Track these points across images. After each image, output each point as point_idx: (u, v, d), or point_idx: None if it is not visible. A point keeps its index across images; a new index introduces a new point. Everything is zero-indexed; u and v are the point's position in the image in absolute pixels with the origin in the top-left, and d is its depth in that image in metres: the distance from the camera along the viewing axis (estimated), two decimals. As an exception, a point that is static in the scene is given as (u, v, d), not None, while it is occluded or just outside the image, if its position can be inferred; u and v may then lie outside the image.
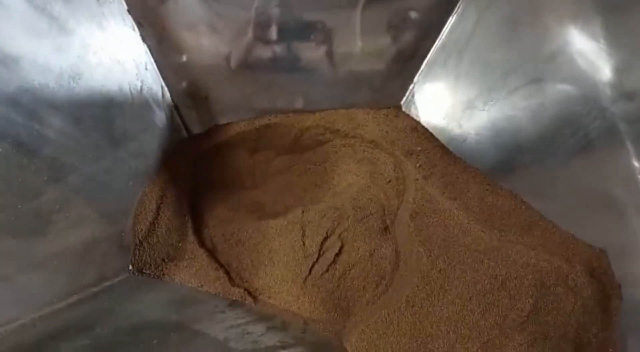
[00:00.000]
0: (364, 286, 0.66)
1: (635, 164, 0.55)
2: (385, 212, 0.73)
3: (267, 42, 0.74)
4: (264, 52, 0.76)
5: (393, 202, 0.74)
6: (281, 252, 0.72)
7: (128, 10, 0.66)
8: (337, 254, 0.70)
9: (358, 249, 0.69)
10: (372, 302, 0.64)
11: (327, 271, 0.68)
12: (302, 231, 0.73)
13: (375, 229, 0.71)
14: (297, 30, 0.74)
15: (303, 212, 0.77)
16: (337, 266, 0.68)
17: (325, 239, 0.72)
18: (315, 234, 0.72)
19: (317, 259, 0.70)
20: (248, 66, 0.77)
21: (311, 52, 0.77)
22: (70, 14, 0.56)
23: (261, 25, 0.72)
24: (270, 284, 0.69)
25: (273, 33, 0.73)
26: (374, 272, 0.66)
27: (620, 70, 0.56)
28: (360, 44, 0.76)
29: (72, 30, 0.57)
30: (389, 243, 0.69)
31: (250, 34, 0.73)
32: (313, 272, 0.68)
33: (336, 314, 0.64)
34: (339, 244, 0.71)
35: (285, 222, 0.75)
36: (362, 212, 0.74)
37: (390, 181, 0.76)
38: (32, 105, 0.52)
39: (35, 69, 0.52)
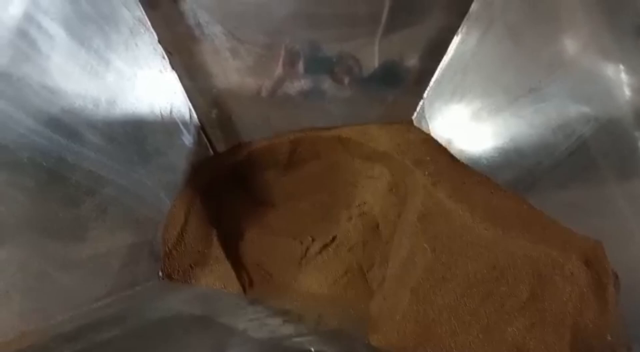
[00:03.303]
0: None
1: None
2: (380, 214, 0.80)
3: (295, 76, 0.80)
4: (291, 85, 0.82)
5: (391, 207, 0.80)
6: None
7: (159, 41, 0.71)
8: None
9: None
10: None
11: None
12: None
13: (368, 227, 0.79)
14: (322, 64, 0.79)
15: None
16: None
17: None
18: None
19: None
20: (274, 95, 0.83)
21: (334, 81, 0.82)
22: (107, 45, 0.62)
23: (290, 62, 0.77)
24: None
25: (300, 68, 0.79)
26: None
27: (616, 78, 0.58)
28: (378, 68, 0.80)
29: (108, 59, 0.63)
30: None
31: (280, 69, 0.78)
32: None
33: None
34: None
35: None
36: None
37: (392, 188, 0.82)
38: (72, 125, 0.58)
39: (76, 93, 0.58)
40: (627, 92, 0.56)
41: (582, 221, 0.60)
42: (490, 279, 0.55)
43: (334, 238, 0.86)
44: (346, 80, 0.81)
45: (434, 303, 0.57)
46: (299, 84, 0.82)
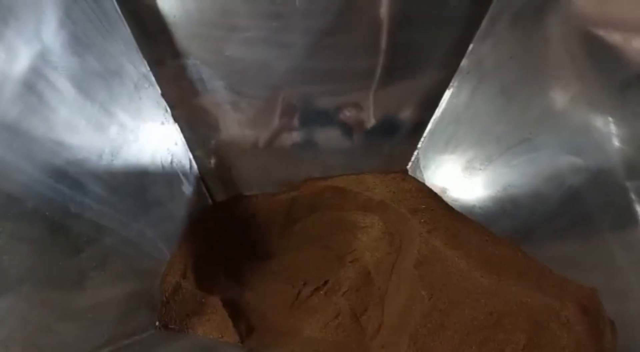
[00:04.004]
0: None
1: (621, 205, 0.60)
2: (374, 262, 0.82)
3: (292, 129, 0.82)
4: (288, 137, 0.84)
5: (385, 256, 0.81)
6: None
7: (162, 95, 0.74)
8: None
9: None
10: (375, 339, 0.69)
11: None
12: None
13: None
14: (318, 117, 0.81)
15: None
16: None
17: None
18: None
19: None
20: (272, 146, 0.85)
21: (331, 133, 0.84)
22: (112, 98, 0.65)
23: (287, 114, 0.79)
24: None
25: (296, 122, 0.81)
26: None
27: (605, 129, 0.61)
28: (373, 120, 0.83)
29: (113, 112, 0.65)
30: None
31: (277, 121, 0.81)
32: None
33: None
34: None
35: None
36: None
37: (385, 237, 0.84)
38: (76, 176, 0.59)
39: (80, 145, 0.60)
40: (616, 143, 0.58)
41: (577, 270, 0.61)
42: (488, 325, 0.55)
43: (325, 282, 0.88)
44: (340, 130, 0.84)
45: (433, 350, 0.57)
46: (295, 135, 0.84)
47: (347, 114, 0.81)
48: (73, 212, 0.59)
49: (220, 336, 0.72)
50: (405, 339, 0.60)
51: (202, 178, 0.87)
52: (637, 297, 0.58)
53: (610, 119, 0.59)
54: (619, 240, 0.60)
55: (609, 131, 0.59)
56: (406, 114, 0.83)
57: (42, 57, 0.55)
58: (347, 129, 0.84)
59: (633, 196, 0.58)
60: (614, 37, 0.57)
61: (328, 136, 0.85)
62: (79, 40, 0.58)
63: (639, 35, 0.55)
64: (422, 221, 0.74)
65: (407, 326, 0.61)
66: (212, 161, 0.87)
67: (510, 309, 0.55)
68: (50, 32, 0.55)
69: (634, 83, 0.56)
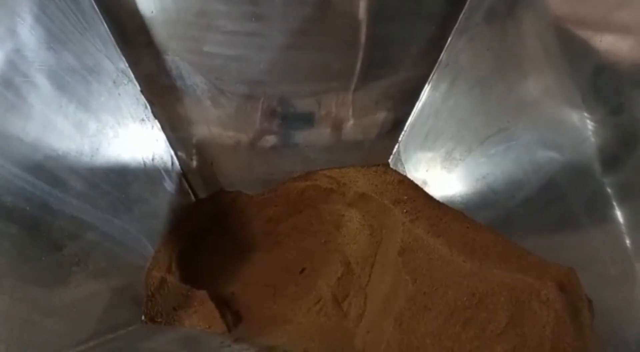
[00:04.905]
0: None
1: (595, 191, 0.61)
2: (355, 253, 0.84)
3: (273, 128, 0.83)
4: (269, 139, 0.84)
5: (367, 247, 0.83)
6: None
7: (141, 91, 0.74)
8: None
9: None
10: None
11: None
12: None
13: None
14: (299, 115, 0.82)
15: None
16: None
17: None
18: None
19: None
20: (253, 146, 0.86)
21: (312, 130, 0.85)
22: (90, 94, 0.65)
23: (267, 114, 0.80)
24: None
25: (278, 120, 0.81)
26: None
27: (579, 116, 0.63)
28: (352, 120, 0.84)
29: (91, 109, 0.65)
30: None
31: (257, 125, 0.81)
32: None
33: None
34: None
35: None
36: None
37: (366, 229, 0.86)
38: (55, 171, 0.59)
39: (59, 141, 0.60)
40: (588, 127, 0.61)
41: (555, 251, 0.62)
42: (470, 305, 0.56)
43: (306, 271, 0.89)
44: (321, 130, 0.84)
45: (417, 331, 0.58)
46: (277, 134, 0.84)
47: (328, 110, 0.81)
48: (53, 208, 0.59)
49: (207, 326, 0.72)
50: (390, 321, 0.60)
51: (184, 175, 0.87)
52: (613, 281, 0.60)
53: (582, 105, 0.61)
54: (593, 220, 0.61)
55: (582, 117, 0.62)
56: (386, 109, 0.84)
57: (18, 52, 0.55)
58: (328, 125, 0.84)
59: (604, 179, 0.60)
60: (584, 29, 0.60)
61: (309, 133, 0.85)
62: (55, 37, 0.58)
63: (605, 27, 0.57)
64: (405, 211, 0.75)
65: (392, 310, 0.62)
66: (194, 158, 0.86)
67: (491, 290, 0.56)
68: (26, 28, 0.56)
69: (603, 72, 0.58)
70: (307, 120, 0.82)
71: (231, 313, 0.77)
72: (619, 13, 0.58)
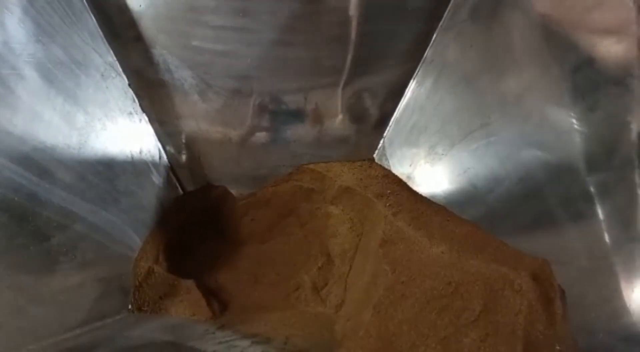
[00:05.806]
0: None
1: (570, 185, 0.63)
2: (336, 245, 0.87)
3: (262, 128, 0.84)
4: (260, 135, 0.86)
5: (349, 240, 0.85)
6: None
7: (129, 84, 0.75)
8: None
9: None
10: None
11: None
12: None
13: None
14: (287, 110, 0.83)
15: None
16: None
17: None
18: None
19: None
20: (243, 142, 0.87)
21: (300, 126, 0.86)
22: (78, 87, 0.65)
23: (257, 114, 0.81)
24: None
25: (266, 117, 0.83)
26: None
27: (559, 111, 0.64)
28: (340, 115, 0.85)
29: (79, 101, 0.66)
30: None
31: (248, 122, 0.83)
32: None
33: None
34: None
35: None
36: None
37: (347, 222, 0.88)
38: (43, 163, 0.60)
39: (47, 132, 0.61)
40: (570, 120, 0.62)
41: (533, 245, 0.64)
42: (446, 294, 0.58)
43: (288, 261, 0.92)
44: (310, 127, 0.86)
45: (395, 318, 0.60)
46: (266, 130, 0.86)
47: (316, 106, 0.82)
48: (41, 199, 0.60)
49: (192, 314, 0.74)
50: (369, 310, 0.62)
51: (172, 168, 0.88)
52: (589, 274, 0.62)
53: (564, 99, 0.62)
54: (569, 213, 0.63)
55: (562, 113, 0.63)
56: (372, 105, 0.85)
57: (6, 44, 0.55)
58: (316, 121, 0.85)
59: (583, 175, 0.61)
60: (563, 27, 0.61)
61: (297, 129, 0.86)
62: (43, 30, 0.59)
63: (583, 26, 0.59)
64: (388, 204, 0.77)
65: (372, 298, 0.64)
66: (182, 151, 0.88)
67: (467, 279, 0.58)
68: (14, 21, 0.56)
69: (580, 69, 0.60)
70: (296, 115, 0.84)
71: (217, 301, 0.79)
72: (595, 13, 0.59)
